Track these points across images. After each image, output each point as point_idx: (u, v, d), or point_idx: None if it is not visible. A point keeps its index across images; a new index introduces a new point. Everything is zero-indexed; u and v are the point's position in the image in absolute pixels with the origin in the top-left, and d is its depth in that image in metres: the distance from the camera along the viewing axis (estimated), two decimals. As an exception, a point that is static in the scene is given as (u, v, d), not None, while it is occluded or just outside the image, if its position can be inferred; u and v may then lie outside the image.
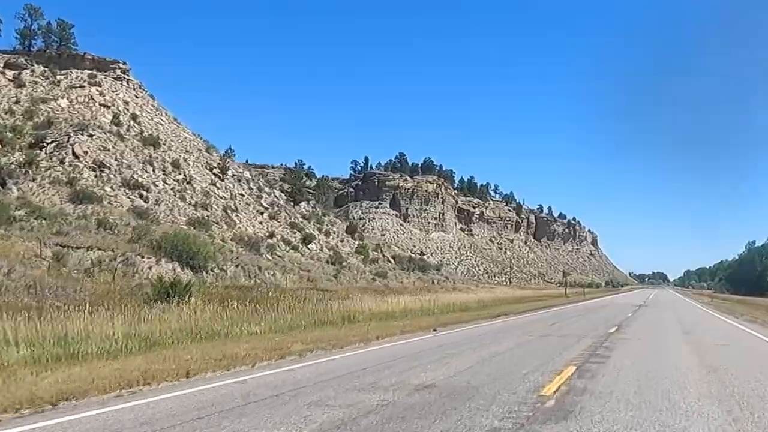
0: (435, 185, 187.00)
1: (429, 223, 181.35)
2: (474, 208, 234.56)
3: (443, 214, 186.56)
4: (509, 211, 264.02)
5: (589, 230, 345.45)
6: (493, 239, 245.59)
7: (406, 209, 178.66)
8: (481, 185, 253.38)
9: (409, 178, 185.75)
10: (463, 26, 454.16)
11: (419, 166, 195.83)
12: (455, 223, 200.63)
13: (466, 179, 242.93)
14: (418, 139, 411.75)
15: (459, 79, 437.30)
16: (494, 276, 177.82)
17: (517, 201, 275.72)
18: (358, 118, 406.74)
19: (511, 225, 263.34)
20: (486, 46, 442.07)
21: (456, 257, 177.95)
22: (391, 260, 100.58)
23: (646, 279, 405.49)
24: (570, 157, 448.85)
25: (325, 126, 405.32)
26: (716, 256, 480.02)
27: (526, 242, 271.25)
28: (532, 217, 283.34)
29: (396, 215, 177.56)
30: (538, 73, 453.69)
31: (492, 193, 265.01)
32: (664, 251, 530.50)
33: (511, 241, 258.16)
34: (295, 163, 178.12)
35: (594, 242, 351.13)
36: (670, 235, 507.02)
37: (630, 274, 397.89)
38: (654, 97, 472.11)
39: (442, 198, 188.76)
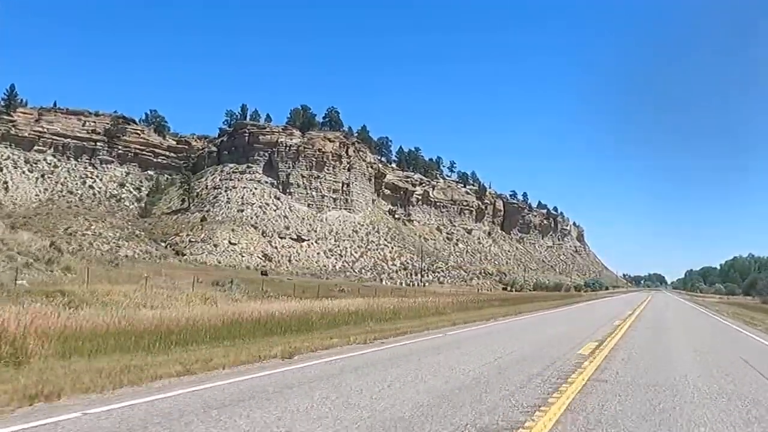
0: (338, 145, 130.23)
1: (324, 197, 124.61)
2: (414, 186, 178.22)
3: (348, 186, 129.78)
4: (467, 194, 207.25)
5: (575, 223, 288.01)
6: (441, 227, 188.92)
7: (287, 176, 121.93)
8: (429, 159, 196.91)
9: (298, 133, 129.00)
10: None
11: (321, 121, 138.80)
12: (374, 202, 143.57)
13: (406, 150, 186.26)
14: (350, 102, 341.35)
15: (414, 38, 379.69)
16: (417, 274, 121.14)
17: (480, 182, 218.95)
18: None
19: (470, 211, 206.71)
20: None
21: (362, 245, 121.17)
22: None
23: (642, 281, 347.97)
24: (556, 148, 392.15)
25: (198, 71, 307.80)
26: (717, 255, 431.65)
27: (490, 234, 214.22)
28: (500, 204, 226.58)
29: (272, 183, 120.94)
30: (526, 59, 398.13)
31: (447, 172, 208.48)
32: (661, 252, 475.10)
33: (469, 232, 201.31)
34: (116, 113, 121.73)
35: (580, 237, 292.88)
36: (668, 236, 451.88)
37: (624, 275, 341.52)
38: (650, 94, 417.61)
39: (348, 163, 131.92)
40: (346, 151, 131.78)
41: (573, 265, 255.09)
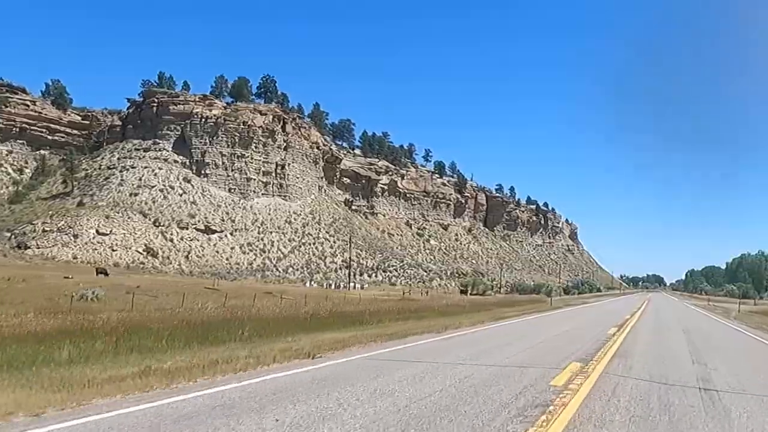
0: (271, 118, 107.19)
1: (250, 180, 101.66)
2: (378, 174, 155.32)
3: (284, 169, 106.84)
4: (444, 185, 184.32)
5: (567, 221, 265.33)
6: (411, 222, 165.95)
7: (202, 154, 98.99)
8: (400, 146, 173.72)
9: (220, 104, 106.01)
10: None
11: (256, 91, 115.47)
12: (321, 189, 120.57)
13: (371, 133, 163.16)
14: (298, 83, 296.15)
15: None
16: (363, 273, 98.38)
17: (460, 174, 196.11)
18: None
19: (447, 205, 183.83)
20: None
21: (296, 239, 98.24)
22: None
23: (641, 282, 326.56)
24: (548, 142, 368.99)
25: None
26: (717, 255, 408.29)
27: (470, 230, 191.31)
28: (482, 198, 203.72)
29: (183, 163, 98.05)
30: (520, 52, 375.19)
31: (421, 161, 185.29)
32: (660, 253, 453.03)
33: (445, 228, 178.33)
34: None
35: (573, 236, 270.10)
36: (667, 236, 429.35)
37: (622, 276, 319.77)
38: (649, 91, 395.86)
39: (285, 141, 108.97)
40: (283, 127, 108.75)
41: (564, 265, 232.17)
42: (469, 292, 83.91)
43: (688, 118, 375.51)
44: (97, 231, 72.46)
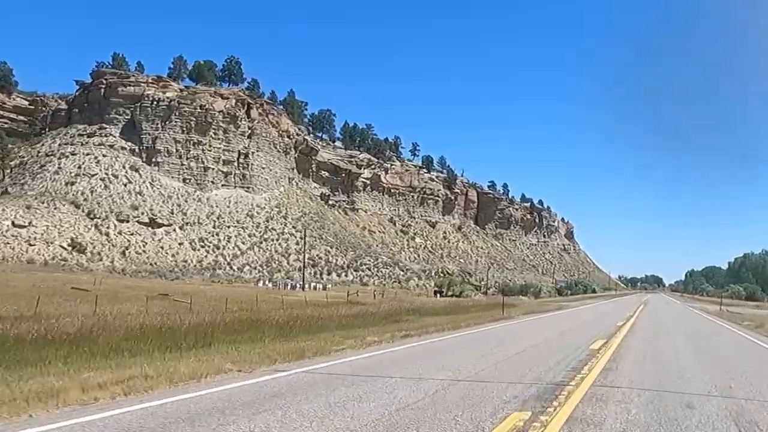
0: (234, 103, 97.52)
1: (208, 170, 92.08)
2: (360, 167, 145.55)
3: (248, 158, 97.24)
4: (432, 181, 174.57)
5: (563, 219, 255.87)
6: (396, 219, 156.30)
7: (153, 140, 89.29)
8: (385, 139, 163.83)
9: (176, 86, 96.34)
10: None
11: (222, 75, 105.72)
12: (292, 181, 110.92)
13: (351, 124, 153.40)
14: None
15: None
16: (332, 272, 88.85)
17: (450, 169, 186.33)
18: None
19: (435, 201, 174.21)
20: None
21: (257, 234, 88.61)
22: None
23: (639, 283, 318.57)
24: (545, 140, 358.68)
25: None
26: (716, 256, 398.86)
27: (460, 228, 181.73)
28: (473, 195, 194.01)
29: (133, 150, 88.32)
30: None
31: (408, 156, 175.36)
32: (658, 253, 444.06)
33: (433, 225, 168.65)
34: None
35: (569, 235, 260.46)
36: (665, 237, 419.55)
37: (620, 277, 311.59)
38: (648, 88, 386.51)
39: (250, 129, 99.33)
40: (248, 113, 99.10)
41: (560, 264, 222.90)
42: (445, 292, 74.40)
43: (688, 117, 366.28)
44: (12, 223, 62.83)
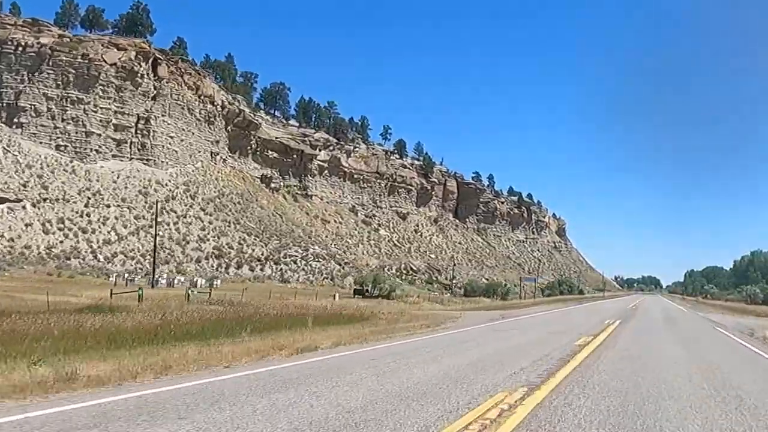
0: (133, 56, 78.64)
1: (91, 135, 73.24)
2: (314, 148, 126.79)
3: (148, 123, 78.39)
4: (404, 167, 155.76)
5: (555, 215, 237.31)
6: (359, 208, 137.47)
7: (16, 96, 70.40)
8: (349, 119, 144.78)
9: (54, 30, 77.29)
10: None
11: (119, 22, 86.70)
12: (214, 156, 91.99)
13: (307, 98, 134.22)
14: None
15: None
16: (245, 264, 70.09)
17: (427, 156, 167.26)
18: None
19: (408, 191, 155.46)
20: None
21: (148, 217, 69.82)
22: None
23: (636, 284, 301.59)
24: (537, 132, 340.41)
25: None
26: (717, 256, 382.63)
27: (436, 220, 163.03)
28: (453, 185, 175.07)
29: (-11, 109, 69.28)
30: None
31: (379, 138, 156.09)
32: (656, 254, 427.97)
33: (404, 217, 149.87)
34: None
35: (561, 232, 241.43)
36: (664, 237, 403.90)
37: (616, 278, 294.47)
38: (647, 86, 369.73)
39: (155, 89, 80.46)
40: (154, 70, 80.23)
41: (549, 263, 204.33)
42: (372, 292, 55.69)
43: (688, 117, 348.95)
44: None
